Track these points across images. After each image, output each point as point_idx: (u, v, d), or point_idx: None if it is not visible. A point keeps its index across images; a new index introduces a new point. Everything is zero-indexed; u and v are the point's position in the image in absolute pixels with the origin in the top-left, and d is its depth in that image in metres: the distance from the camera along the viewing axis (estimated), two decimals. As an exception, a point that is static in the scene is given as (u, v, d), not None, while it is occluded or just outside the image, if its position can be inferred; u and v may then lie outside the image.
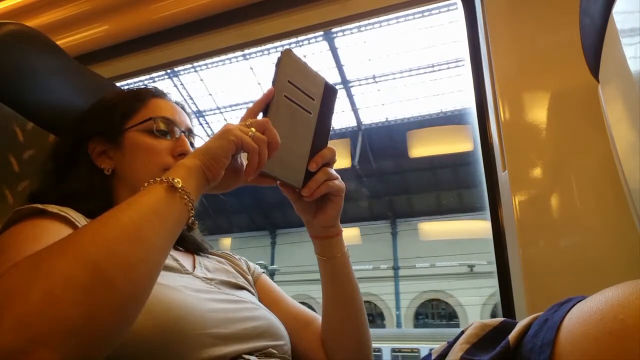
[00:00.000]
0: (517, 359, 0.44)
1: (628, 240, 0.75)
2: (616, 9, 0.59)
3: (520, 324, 0.46)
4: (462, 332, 0.53)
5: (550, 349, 0.39)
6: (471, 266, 9.74)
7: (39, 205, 0.58)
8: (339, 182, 0.66)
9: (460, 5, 1.10)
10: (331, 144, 0.68)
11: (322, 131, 0.67)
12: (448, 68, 7.11)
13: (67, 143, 0.76)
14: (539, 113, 0.89)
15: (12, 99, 0.79)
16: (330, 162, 0.66)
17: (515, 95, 0.92)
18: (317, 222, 0.68)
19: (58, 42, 0.89)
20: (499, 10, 0.98)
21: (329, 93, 0.69)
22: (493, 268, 0.94)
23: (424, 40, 6.53)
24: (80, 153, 0.74)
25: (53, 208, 0.59)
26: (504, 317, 0.59)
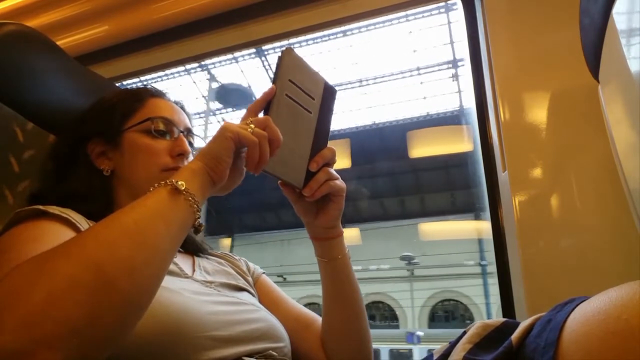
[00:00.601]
0: (519, 359, 0.44)
1: (628, 240, 0.75)
2: (616, 9, 0.59)
3: (523, 324, 0.46)
4: (464, 333, 0.53)
5: (554, 349, 0.40)
6: (411, 270, 9.96)
7: (40, 207, 0.58)
8: (340, 182, 0.66)
9: (460, 5, 1.10)
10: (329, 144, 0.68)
11: (322, 131, 0.66)
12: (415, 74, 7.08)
13: (67, 143, 0.76)
14: (539, 113, 0.90)
15: (12, 99, 0.79)
16: (330, 162, 0.66)
17: (515, 95, 0.92)
18: (319, 223, 0.68)
19: (58, 42, 0.89)
20: (499, 10, 0.98)
21: (329, 93, 0.68)
22: (432, 271, 0.93)
23: (406, 43, 6.46)
24: (80, 154, 0.74)
25: (54, 209, 0.58)
26: (504, 317, 0.59)
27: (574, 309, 0.41)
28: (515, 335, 0.45)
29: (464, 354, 0.48)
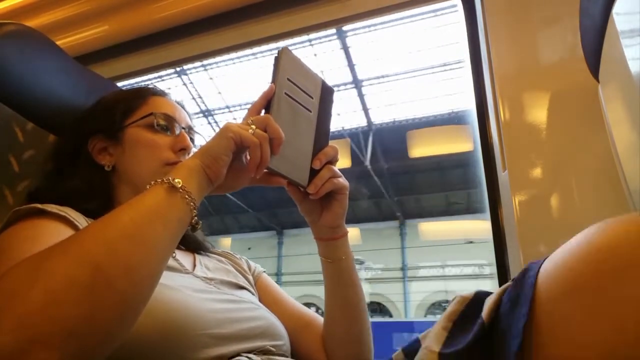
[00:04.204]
0: (495, 332, 0.44)
1: (628, 241, 0.75)
2: (616, 10, 0.59)
3: (490, 298, 0.47)
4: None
5: (531, 298, 0.40)
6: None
7: (38, 205, 0.58)
8: (343, 180, 0.66)
9: (460, 5, 1.10)
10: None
11: (322, 130, 0.66)
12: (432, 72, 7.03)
13: (68, 142, 0.76)
14: (539, 113, 0.89)
15: (12, 99, 0.79)
16: (333, 160, 0.66)
17: (515, 95, 0.92)
18: (324, 222, 0.67)
19: (58, 42, 0.89)
20: (499, 11, 0.98)
21: (327, 92, 0.69)
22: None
23: (421, 42, 6.48)
24: (81, 151, 0.74)
25: (52, 208, 0.58)
26: None
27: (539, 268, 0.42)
28: (485, 313, 0.45)
29: (439, 348, 0.47)
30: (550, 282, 0.40)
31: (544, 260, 0.43)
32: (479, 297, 0.50)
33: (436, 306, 10.62)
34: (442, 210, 10.51)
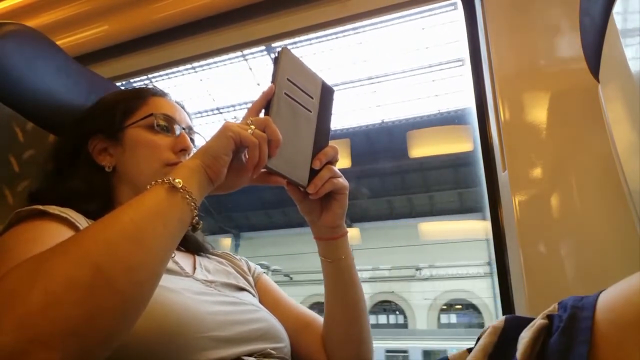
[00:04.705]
0: None
1: (628, 240, 0.75)
2: (616, 9, 0.59)
3: (525, 336, 0.44)
4: (479, 339, 0.51)
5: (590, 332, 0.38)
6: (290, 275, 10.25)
7: (40, 207, 0.58)
8: (343, 180, 0.66)
9: (460, 5, 1.10)
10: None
11: (322, 130, 0.66)
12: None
13: (68, 142, 0.76)
14: (539, 113, 0.89)
15: (12, 99, 0.79)
16: (333, 160, 0.66)
17: (515, 95, 0.92)
18: (323, 222, 0.68)
19: (58, 42, 0.89)
20: (499, 10, 0.98)
21: (327, 92, 0.69)
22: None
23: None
24: (81, 151, 0.74)
25: (54, 209, 0.58)
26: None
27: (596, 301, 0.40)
28: (519, 354, 0.42)
29: None
30: (612, 334, 0.38)
31: (596, 302, 0.40)
32: (511, 325, 0.49)
33: (378, 305, 10.87)
34: (387, 214, 10.74)
